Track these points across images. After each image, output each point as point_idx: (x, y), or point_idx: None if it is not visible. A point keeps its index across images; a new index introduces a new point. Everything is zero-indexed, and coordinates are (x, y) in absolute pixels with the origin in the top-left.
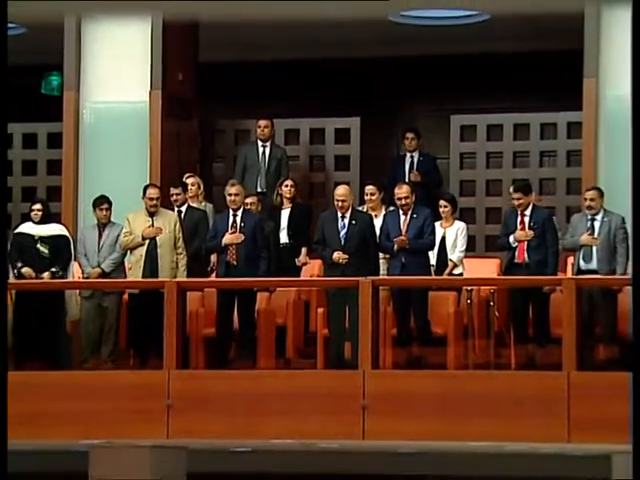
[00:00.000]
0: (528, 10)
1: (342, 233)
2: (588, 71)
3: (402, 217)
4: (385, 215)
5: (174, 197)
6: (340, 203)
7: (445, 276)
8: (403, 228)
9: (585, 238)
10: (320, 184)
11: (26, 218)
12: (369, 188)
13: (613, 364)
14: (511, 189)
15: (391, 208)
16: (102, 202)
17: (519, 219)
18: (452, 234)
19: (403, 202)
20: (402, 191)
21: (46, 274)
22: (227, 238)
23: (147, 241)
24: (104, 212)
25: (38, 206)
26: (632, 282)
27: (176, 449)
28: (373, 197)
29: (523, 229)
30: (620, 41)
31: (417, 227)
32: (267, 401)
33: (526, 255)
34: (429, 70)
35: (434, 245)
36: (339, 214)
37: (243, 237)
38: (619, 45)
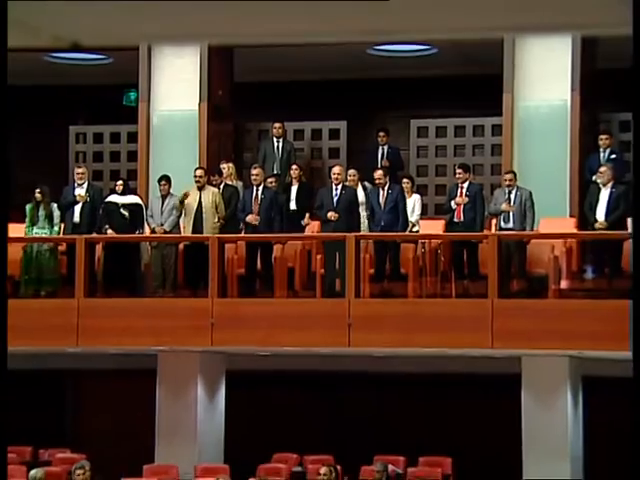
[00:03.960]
0: (461, 39)
1: (335, 199)
2: (506, 88)
3: (381, 192)
4: (370, 191)
5: (215, 177)
6: (335, 175)
7: (406, 233)
8: (382, 200)
9: (504, 206)
10: (318, 169)
11: (112, 192)
12: (351, 172)
13: (523, 293)
14: (457, 167)
15: (366, 184)
16: (162, 179)
17: (459, 190)
18: (411, 203)
19: (380, 181)
20: (378, 174)
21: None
22: (248, 218)
23: (195, 205)
24: (163, 186)
25: (121, 182)
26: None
27: (218, 353)
28: (354, 177)
29: (461, 196)
30: (530, 65)
31: (392, 198)
32: (281, 320)
33: (462, 215)
34: (395, 88)
35: (407, 220)
36: (333, 186)
37: (259, 219)
38: (529, 68)
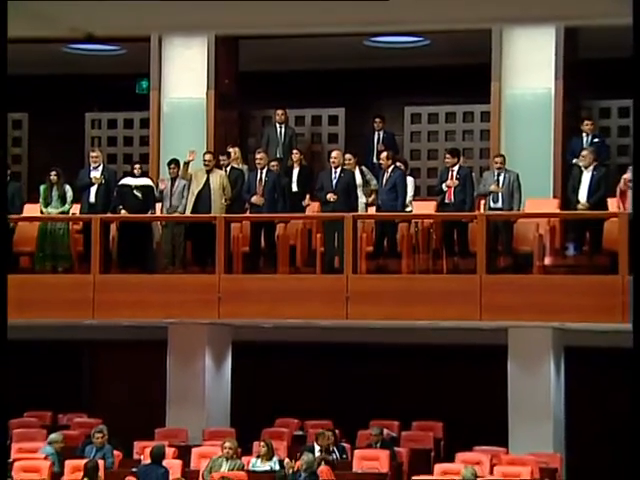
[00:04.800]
0: (451, 30)
1: (334, 182)
2: (494, 77)
3: (385, 174)
4: (366, 173)
5: (222, 160)
6: (333, 159)
7: (400, 213)
8: (383, 181)
9: (493, 187)
10: (318, 153)
11: (126, 174)
12: (348, 156)
13: (509, 269)
14: (445, 152)
15: (364, 168)
16: (172, 163)
17: (450, 173)
18: None
19: (383, 163)
20: (383, 156)
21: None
22: (253, 199)
23: (202, 186)
24: (173, 169)
25: (138, 166)
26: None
27: (224, 325)
28: (351, 161)
29: (452, 179)
30: (516, 55)
31: (393, 180)
32: (283, 294)
33: (452, 196)
34: (390, 77)
35: (404, 201)
36: (332, 169)
37: (263, 200)
38: (515, 58)
